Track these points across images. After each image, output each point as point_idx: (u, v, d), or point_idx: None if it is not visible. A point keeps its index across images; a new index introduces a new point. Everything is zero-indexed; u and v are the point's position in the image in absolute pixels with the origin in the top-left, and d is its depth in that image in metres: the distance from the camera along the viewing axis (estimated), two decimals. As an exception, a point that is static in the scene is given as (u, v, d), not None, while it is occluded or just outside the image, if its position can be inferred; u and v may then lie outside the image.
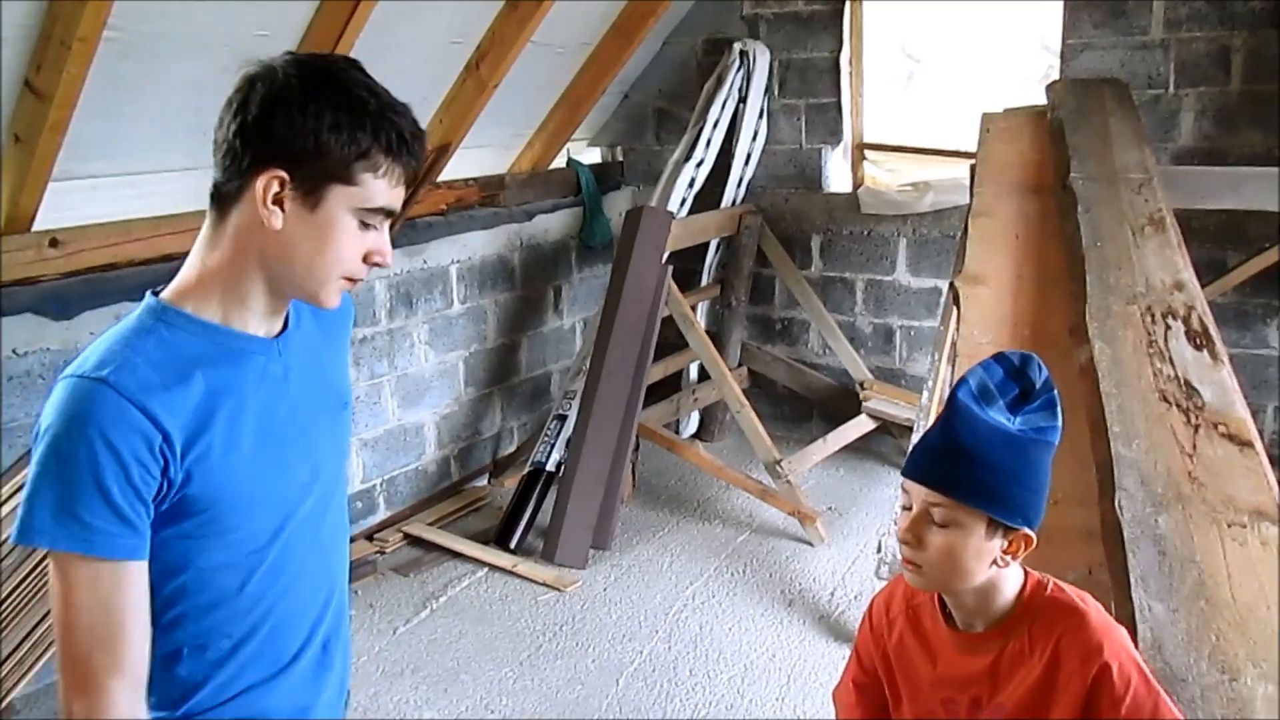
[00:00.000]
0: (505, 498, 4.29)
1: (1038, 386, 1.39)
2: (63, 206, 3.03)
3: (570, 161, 5.09)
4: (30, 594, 2.89)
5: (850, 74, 4.79)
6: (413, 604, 3.66)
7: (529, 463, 4.22)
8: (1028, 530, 1.37)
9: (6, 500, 2.89)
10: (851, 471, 4.68)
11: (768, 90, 4.87)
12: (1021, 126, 3.54)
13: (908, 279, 4.81)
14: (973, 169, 3.47)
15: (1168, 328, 2.41)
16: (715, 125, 4.70)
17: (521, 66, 4.04)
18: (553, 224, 4.95)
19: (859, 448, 4.71)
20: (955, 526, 1.34)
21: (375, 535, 4.12)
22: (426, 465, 4.47)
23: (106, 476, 1.10)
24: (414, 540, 4.14)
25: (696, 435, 5.15)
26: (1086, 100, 3.56)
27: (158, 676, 1.23)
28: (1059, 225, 3.01)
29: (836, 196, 4.91)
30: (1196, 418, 2.13)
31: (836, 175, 4.95)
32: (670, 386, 4.88)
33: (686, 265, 4.79)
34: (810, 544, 4.00)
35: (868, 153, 4.97)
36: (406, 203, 1.28)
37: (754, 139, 4.88)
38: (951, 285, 3.12)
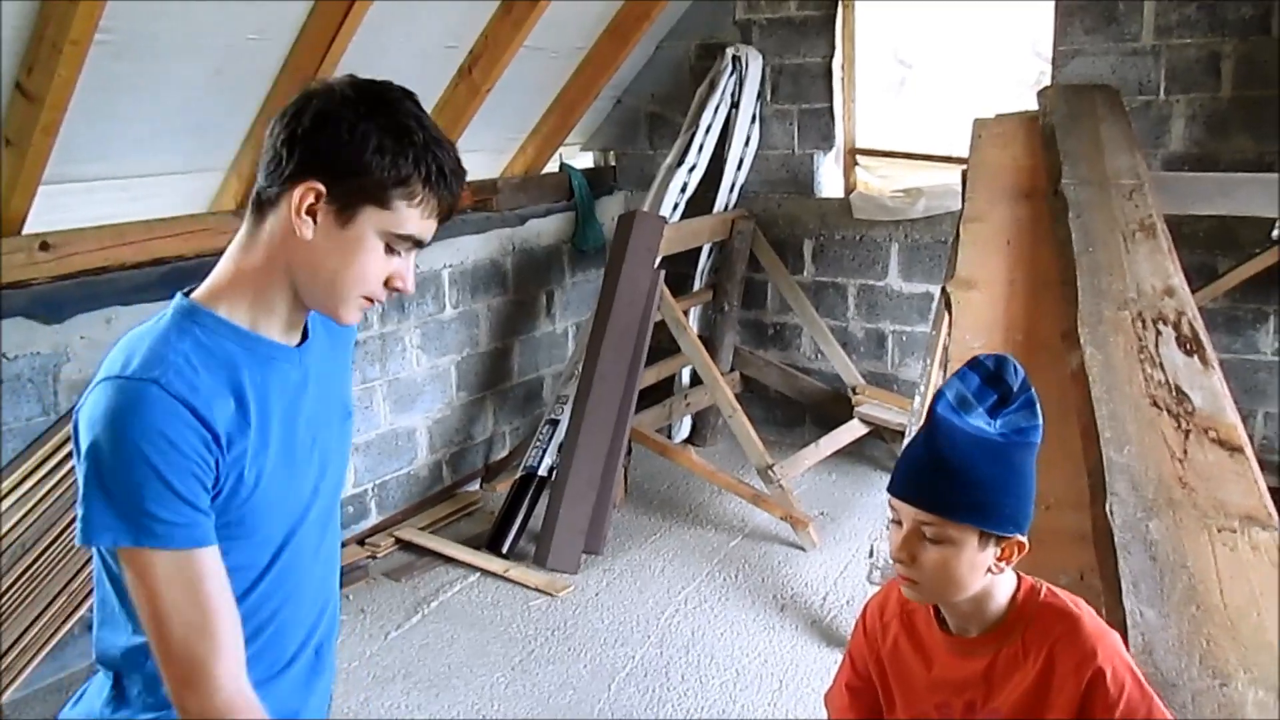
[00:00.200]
0: (497, 502, 4.28)
1: (1015, 389, 1.38)
2: (55, 209, 3.02)
3: (563, 166, 5.09)
4: (18, 600, 2.88)
5: (843, 79, 4.80)
6: (404, 609, 3.65)
7: (521, 467, 4.21)
8: (1020, 537, 1.37)
9: (3, 498, 2.88)
10: (844, 476, 4.68)
11: (760, 95, 4.88)
12: (1013, 132, 3.55)
13: (900, 284, 4.82)
14: (964, 174, 3.47)
15: (1159, 333, 2.41)
16: (708, 130, 4.70)
17: (514, 70, 4.04)
18: (545, 228, 4.95)
19: (851, 452, 4.71)
20: (948, 543, 1.35)
21: (367, 540, 4.11)
22: (418, 470, 4.46)
23: (171, 471, 1.12)
24: (406, 545, 4.13)
25: (689, 440, 5.15)
26: (1078, 106, 3.57)
27: (161, 678, 1.23)
28: (1051, 230, 3.02)
29: (829, 201, 4.92)
30: (1187, 423, 2.13)
31: (829, 180, 4.96)
32: (663, 391, 4.88)
33: (679, 270, 4.79)
34: (803, 549, 4.00)
35: (860, 158, 4.98)
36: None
37: (746, 144, 4.88)
38: (943, 290, 3.13)
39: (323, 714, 1.46)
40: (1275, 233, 3.93)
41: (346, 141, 1.16)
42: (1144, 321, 2.47)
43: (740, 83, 4.75)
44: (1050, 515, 2.00)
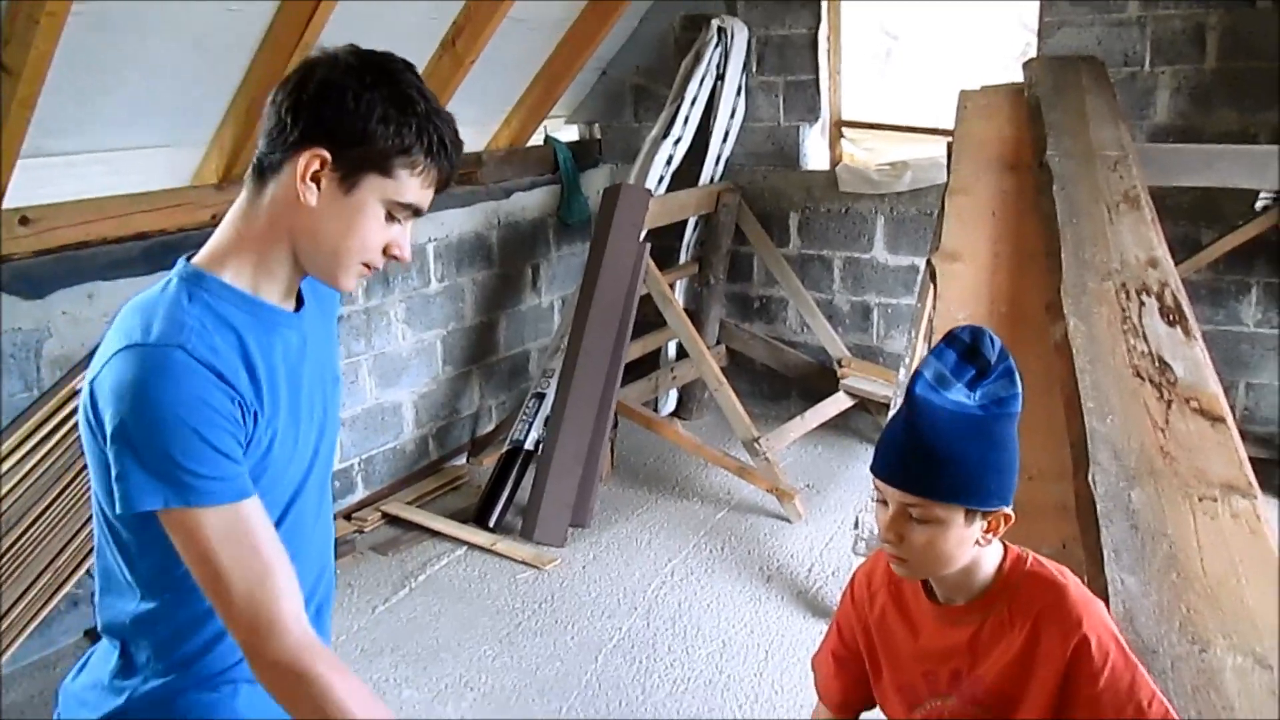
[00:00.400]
0: (484, 476, 4.29)
1: (993, 360, 1.38)
2: (34, 184, 2.98)
3: (548, 139, 5.06)
4: (3, 576, 2.87)
5: (828, 51, 4.78)
6: (391, 583, 3.65)
7: (507, 441, 4.22)
8: (1005, 509, 1.38)
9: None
10: (829, 449, 4.70)
11: (746, 67, 4.86)
12: (999, 104, 3.55)
13: (885, 257, 4.82)
14: (950, 146, 3.47)
15: (1142, 304, 2.43)
16: (693, 102, 4.68)
17: (498, 43, 4.01)
18: (530, 202, 4.93)
19: (837, 425, 4.73)
20: (934, 522, 1.35)
21: (354, 515, 4.12)
22: (404, 444, 4.46)
23: (209, 429, 1.13)
24: (392, 519, 4.13)
25: (675, 413, 5.16)
26: (1063, 78, 3.57)
27: (172, 641, 1.26)
28: (1036, 202, 3.02)
29: (814, 174, 4.91)
30: (1169, 393, 2.15)
31: (814, 153, 4.95)
32: (648, 365, 4.88)
33: (665, 243, 4.78)
34: (788, 521, 4.02)
35: (846, 130, 4.97)
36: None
37: (732, 116, 4.86)
38: (928, 262, 3.13)
39: None
40: (1259, 204, 3.95)
41: (352, 110, 1.18)
42: (1127, 292, 2.48)
43: (725, 54, 4.72)
44: (1033, 486, 2.01)
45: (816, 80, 4.79)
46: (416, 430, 4.51)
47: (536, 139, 5.02)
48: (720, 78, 4.75)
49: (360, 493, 4.26)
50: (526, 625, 3.36)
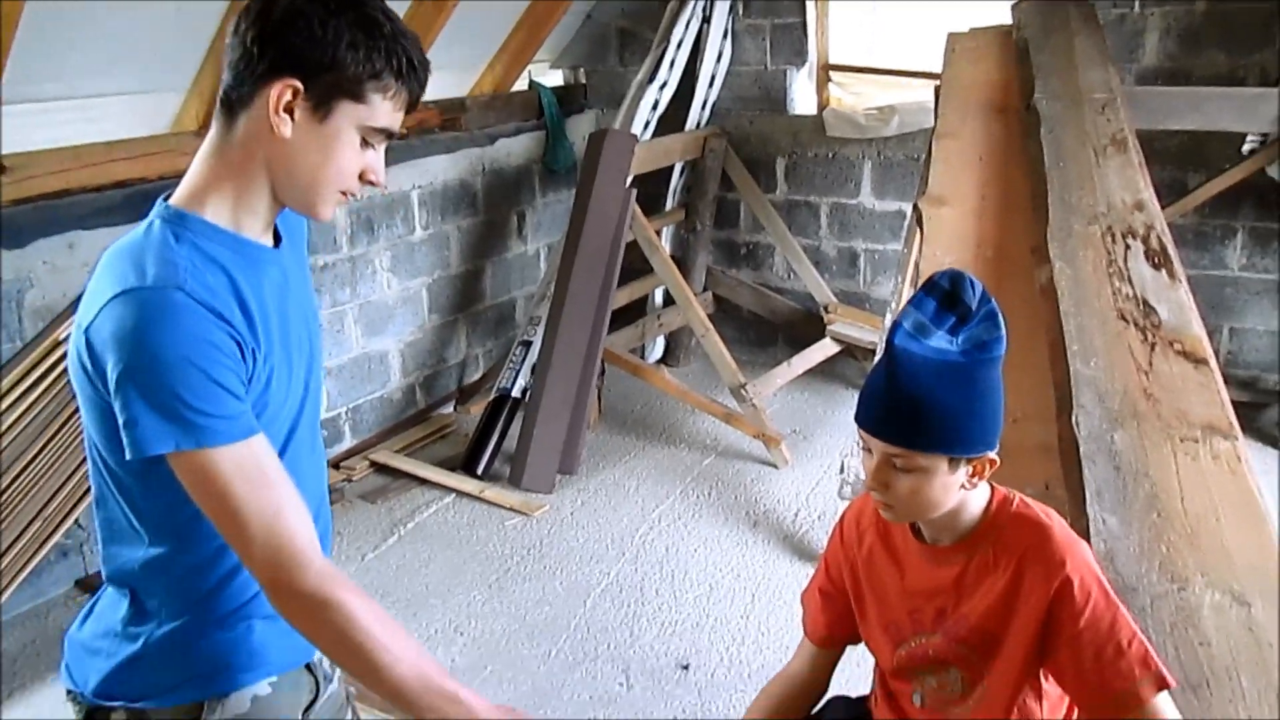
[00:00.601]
0: (471, 425, 4.30)
1: (974, 305, 1.37)
2: (9, 131, 2.94)
3: (532, 84, 5.00)
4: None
5: (816, -8, 4.72)
6: (380, 530, 3.67)
7: (495, 389, 4.22)
8: (990, 454, 1.39)
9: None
10: (816, 394, 4.72)
11: (732, 9, 4.79)
12: (987, 47, 3.51)
13: (872, 202, 4.80)
14: (938, 90, 3.45)
15: (1127, 247, 2.43)
16: (679, 46, 4.63)
17: (480, -15, 3.95)
18: (515, 148, 4.88)
19: (823, 371, 4.74)
20: (919, 471, 1.36)
21: (342, 463, 4.12)
22: (392, 393, 4.46)
23: (216, 368, 1.13)
24: (381, 468, 4.14)
25: (662, 360, 5.16)
26: (1052, 20, 3.53)
27: (184, 583, 1.27)
28: (1023, 146, 3.01)
29: (801, 119, 4.87)
30: (1153, 336, 2.16)
31: (801, 97, 4.90)
32: (635, 312, 4.87)
33: (651, 189, 4.75)
34: (775, 466, 4.05)
35: (833, 74, 4.92)
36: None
37: (718, 60, 4.81)
38: (915, 207, 3.12)
39: None
40: (1246, 147, 3.94)
41: (320, 38, 1.16)
42: (1113, 236, 2.48)
43: (711, -3, 4.66)
44: (1018, 429, 2.03)
45: (803, 23, 4.74)
46: (403, 379, 4.50)
47: (521, 84, 4.96)
48: (706, 20, 4.69)
49: (348, 441, 4.26)
50: (515, 571, 3.39)
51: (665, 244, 4.80)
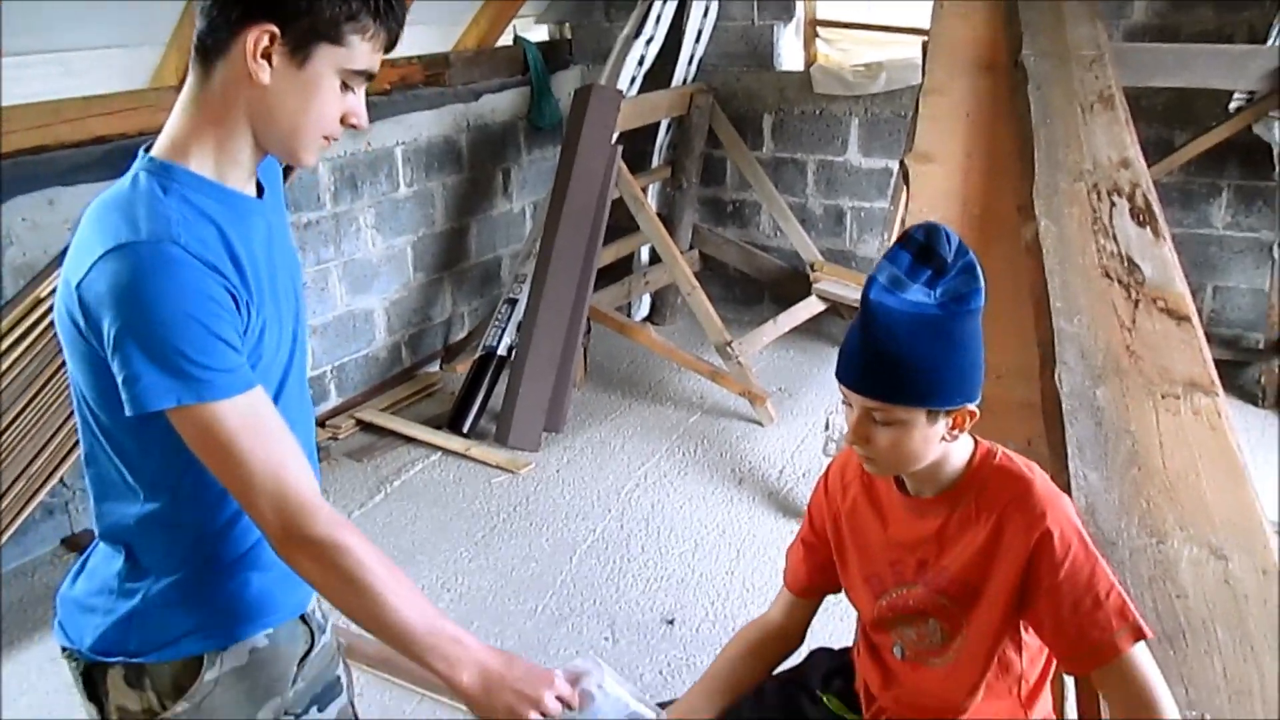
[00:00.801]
0: (457, 383, 4.30)
1: (950, 258, 1.37)
2: (-16, 85, 2.90)
3: (517, 39, 4.95)
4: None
5: (803, -53, 4.67)
6: (367, 488, 3.68)
7: (480, 347, 4.21)
8: (970, 406, 1.39)
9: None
10: (801, 352, 4.73)
11: (719, -36, 4.75)
12: (975, 3, 3.49)
13: (859, 160, 4.79)
14: (925, 46, 3.42)
15: (1113, 205, 2.43)
16: (665, 1, 4.58)
17: (464, -63, 3.89)
18: (500, 104, 4.84)
19: (809, 329, 4.75)
20: (898, 424, 1.36)
21: (328, 422, 4.12)
22: (377, 352, 4.45)
23: (215, 322, 1.13)
24: (366, 426, 4.14)
25: (648, 318, 5.16)
26: (1041, -26, 3.50)
27: (181, 537, 1.26)
28: (1010, 103, 3.00)
29: (789, 75, 4.84)
30: (1137, 293, 2.16)
31: (789, 53, 4.87)
32: (621, 269, 4.86)
33: (637, 146, 4.72)
34: (760, 424, 4.06)
35: (820, 30, 4.88)
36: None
37: (705, 15, 4.77)
38: (902, 164, 3.11)
39: None
40: (1232, 105, 3.94)
41: None
42: (1099, 193, 2.48)
43: (698, -50, 4.60)
44: (1000, 385, 2.03)
45: (791, -23, 4.70)
46: (388, 337, 4.49)
47: (505, 39, 4.90)
48: (693, -25, 4.64)
49: (334, 400, 4.26)
50: (501, 528, 3.41)
51: (651, 201, 4.78)
